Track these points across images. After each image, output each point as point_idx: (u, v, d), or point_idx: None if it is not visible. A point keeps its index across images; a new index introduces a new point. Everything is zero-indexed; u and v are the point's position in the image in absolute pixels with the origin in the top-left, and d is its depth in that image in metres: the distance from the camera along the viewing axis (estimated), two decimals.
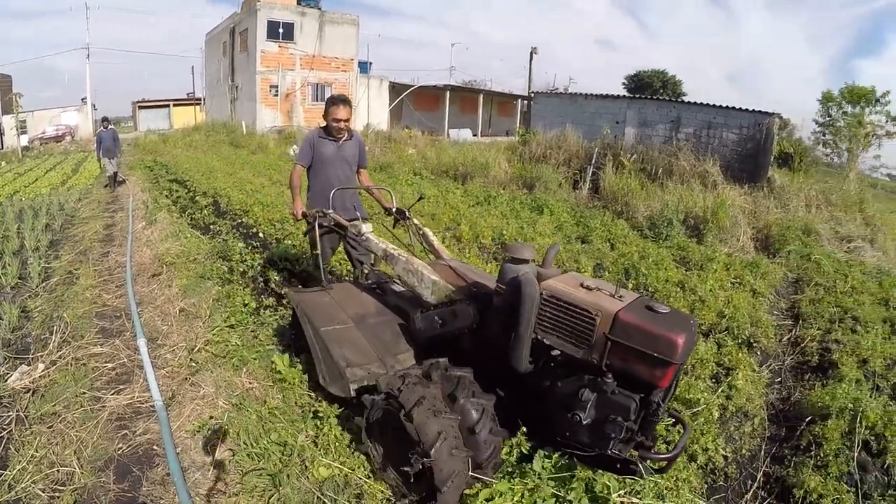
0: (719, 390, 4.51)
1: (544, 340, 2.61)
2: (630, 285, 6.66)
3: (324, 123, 4.81)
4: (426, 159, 16.47)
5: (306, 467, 2.99)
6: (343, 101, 4.73)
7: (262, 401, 3.60)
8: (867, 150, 15.01)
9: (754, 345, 5.67)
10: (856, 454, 3.94)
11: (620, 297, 2.52)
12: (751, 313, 6.11)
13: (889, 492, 3.49)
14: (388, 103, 32.89)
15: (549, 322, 2.59)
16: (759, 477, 3.67)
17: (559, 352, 2.58)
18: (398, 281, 4.09)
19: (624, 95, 17.64)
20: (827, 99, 16.24)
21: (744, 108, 14.00)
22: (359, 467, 3.07)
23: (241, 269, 6.19)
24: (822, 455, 3.81)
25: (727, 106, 14.29)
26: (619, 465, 2.45)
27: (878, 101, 15.57)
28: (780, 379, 5.31)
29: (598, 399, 2.37)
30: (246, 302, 5.18)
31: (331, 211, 4.29)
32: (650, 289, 6.59)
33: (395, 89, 33.10)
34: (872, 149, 15.34)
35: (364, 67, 33.83)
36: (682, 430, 2.92)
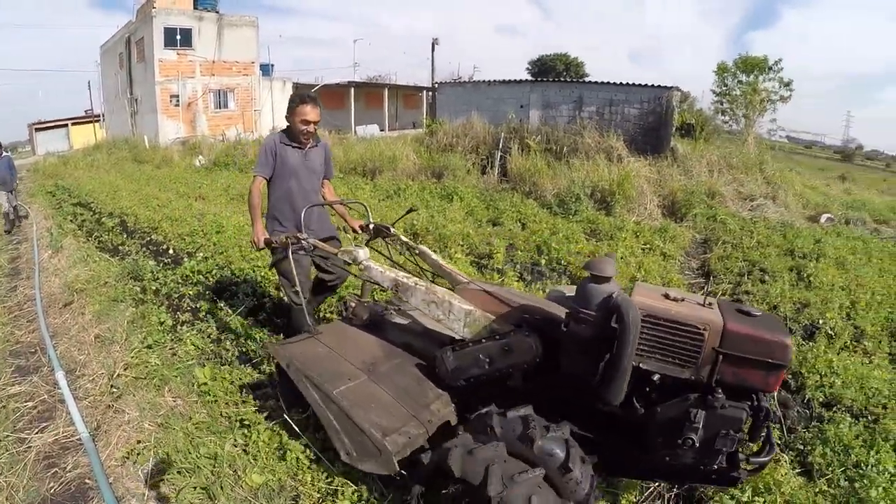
0: None
1: (641, 365, 2.23)
2: (542, 261, 6.49)
3: (284, 126, 4.01)
4: (334, 158, 15.96)
5: (239, 477, 2.88)
6: (313, 99, 3.92)
7: (188, 417, 3.45)
8: (763, 115, 15.67)
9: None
10: (775, 393, 4.08)
11: (710, 304, 2.25)
12: (662, 275, 6.06)
13: (812, 423, 3.64)
14: None
15: (649, 344, 2.20)
16: None
17: (658, 375, 2.23)
18: (397, 311, 3.49)
19: (527, 80, 17.68)
20: (722, 70, 16.76)
21: (644, 83, 14.26)
22: (291, 470, 2.94)
23: (154, 288, 5.75)
24: None
25: (627, 83, 14.53)
26: (715, 476, 2.29)
27: (770, 68, 16.21)
28: None
29: (707, 416, 2.14)
30: (162, 320, 4.83)
31: (306, 235, 3.39)
32: (563, 262, 6.43)
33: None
34: (768, 114, 16.10)
35: (266, 70, 32.67)
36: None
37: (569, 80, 20.03)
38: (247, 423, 3.28)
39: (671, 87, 13.78)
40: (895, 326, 5.61)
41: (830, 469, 3.07)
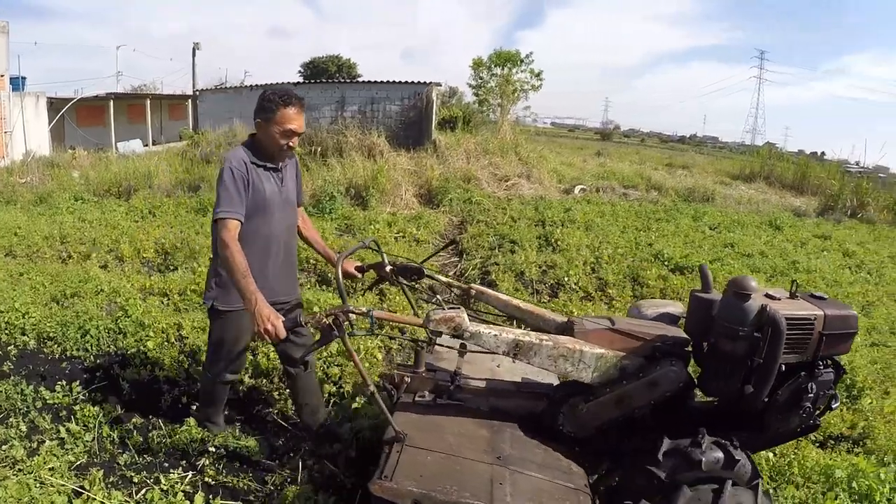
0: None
1: None
2: None
3: (245, 139, 2.94)
4: (89, 181, 14.02)
5: None
6: (300, 100, 2.83)
7: None
8: (516, 103, 16.88)
9: (417, 287, 5.36)
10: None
11: (794, 296, 2.58)
12: (413, 258, 5.87)
13: None
14: (48, 123, 27.89)
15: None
16: None
17: (784, 366, 2.49)
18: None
19: (287, 83, 17.14)
20: (477, 64, 17.73)
21: (404, 80, 14.41)
22: None
23: None
24: None
25: (389, 81, 14.62)
26: (801, 430, 2.68)
27: (522, 61, 17.41)
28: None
29: (816, 386, 2.50)
30: None
31: (368, 309, 2.29)
32: (312, 261, 5.96)
33: (55, 105, 28.34)
34: (522, 102, 17.36)
35: (17, 84, 28.14)
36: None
37: (333, 81, 19.79)
38: None
39: (430, 83, 14.09)
40: (635, 273, 6.09)
41: None
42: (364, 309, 2.24)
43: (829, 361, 2.50)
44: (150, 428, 3.07)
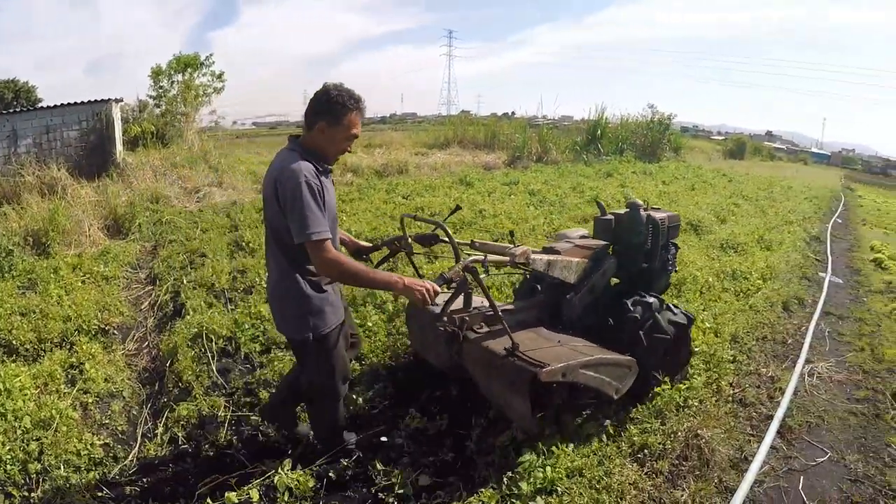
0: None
1: None
2: None
3: (292, 145, 2.83)
4: None
5: None
6: (362, 100, 2.79)
7: None
8: (201, 108, 16.63)
9: (106, 328, 5.55)
10: (214, 366, 4.64)
11: (653, 208, 4.45)
12: (99, 301, 5.87)
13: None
14: None
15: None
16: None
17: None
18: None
19: None
20: (157, 73, 16.80)
21: (81, 101, 13.27)
22: None
23: None
24: None
25: (63, 104, 13.25)
26: (668, 284, 4.84)
27: (202, 64, 17.00)
28: (147, 342, 5.42)
29: (670, 256, 4.54)
30: None
31: (483, 256, 3.09)
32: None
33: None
34: (207, 107, 17.09)
35: None
36: None
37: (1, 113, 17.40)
38: None
39: (110, 100, 13.23)
40: None
41: None
42: (481, 256, 3.05)
43: (672, 242, 4.34)
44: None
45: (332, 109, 2.69)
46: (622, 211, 4.25)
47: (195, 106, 15.85)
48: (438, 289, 2.72)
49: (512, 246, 3.49)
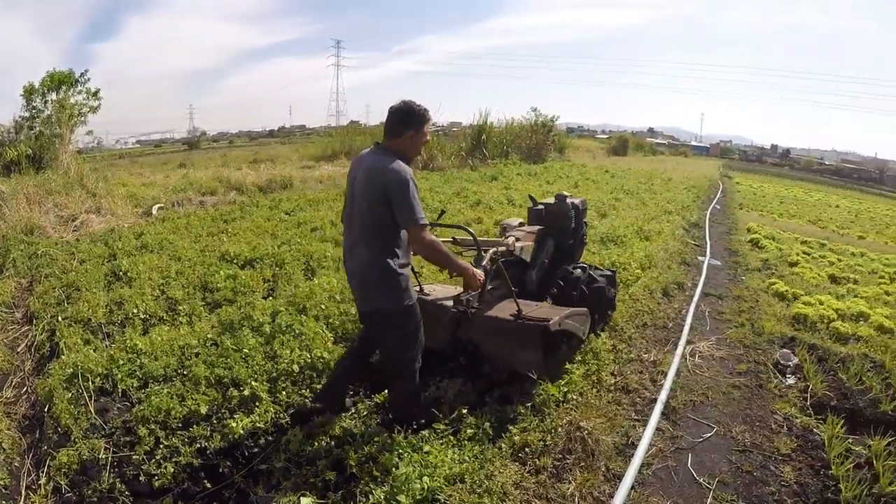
0: None
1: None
2: None
3: (385, 152, 3.31)
4: None
5: None
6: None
7: None
8: (76, 129, 15.49)
9: None
10: (91, 407, 4.36)
11: (565, 196, 5.56)
12: None
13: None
14: None
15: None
16: None
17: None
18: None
19: None
20: (29, 91, 15.52)
21: None
22: None
23: None
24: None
25: None
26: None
27: (77, 81, 15.87)
28: (25, 387, 5.14)
29: (583, 233, 6.04)
30: None
31: (494, 249, 4.29)
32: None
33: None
34: (83, 127, 15.88)
35: None
36: None
37: None
38: None
39: None
40: (204, 281, 6.60)
41: None
42: (495, 249, 4.20)
43: (583, 221, 5.71)
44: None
45: (417, 120, 3.27)
46: (550, 201, 5.47)
47: (70, 126, 14.87)
48: (481, 275, 3.66)
49: (504, 238, 4.67)
